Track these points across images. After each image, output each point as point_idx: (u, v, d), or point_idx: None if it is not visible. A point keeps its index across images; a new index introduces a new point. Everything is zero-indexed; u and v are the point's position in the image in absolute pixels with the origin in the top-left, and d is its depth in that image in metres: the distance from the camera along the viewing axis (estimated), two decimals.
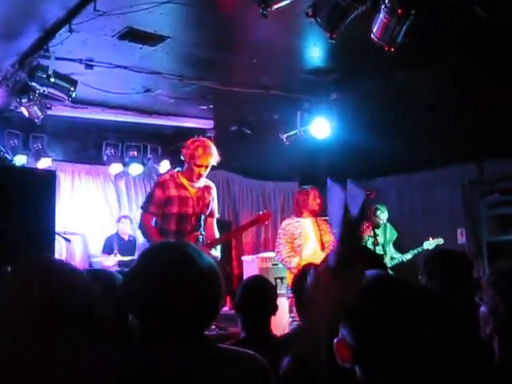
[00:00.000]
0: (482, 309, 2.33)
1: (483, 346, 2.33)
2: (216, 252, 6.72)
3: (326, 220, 9.05)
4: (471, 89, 7.57)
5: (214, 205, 6.97)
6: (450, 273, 4.23)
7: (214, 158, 6.71)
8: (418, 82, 7.67)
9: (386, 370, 1.91)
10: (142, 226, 6.78)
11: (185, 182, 6.72)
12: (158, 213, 6.64)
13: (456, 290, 4.25)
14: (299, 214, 8.58)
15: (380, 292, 1.95)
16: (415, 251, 9.17)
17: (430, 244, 8.90)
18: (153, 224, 6.73)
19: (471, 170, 9.75)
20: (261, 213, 7.26)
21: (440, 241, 8.87)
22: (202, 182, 6.83)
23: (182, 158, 6.87)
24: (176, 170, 7.14)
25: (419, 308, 1.99)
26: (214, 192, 6.97)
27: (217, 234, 7.01)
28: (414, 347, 1.92)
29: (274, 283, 9.00)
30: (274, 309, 4.43)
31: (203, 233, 6.72)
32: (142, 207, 6.86)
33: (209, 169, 6.72)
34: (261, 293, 4.37)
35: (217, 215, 7.09)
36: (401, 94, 8.00)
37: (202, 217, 6.72)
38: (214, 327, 7.09)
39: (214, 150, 6.73)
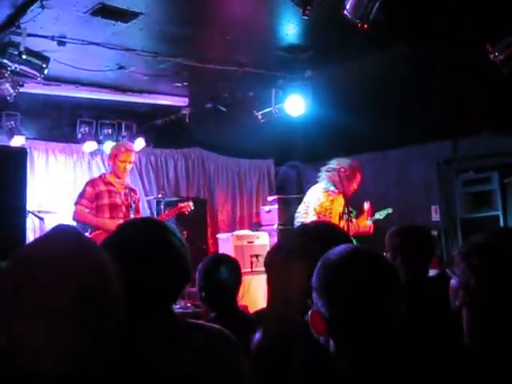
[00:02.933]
0: (453, 281, 2.35)
1: (454, 319, 2.35)
2: None
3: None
4: (446, 67, 7.60)
5: (140, 205, 8.16)
6: (411, 249, 4.30)
7: (134, 153, 7.98)
8: (392, 59, 7.67)
9: (361, 342, 1.94)
10: (77, 217, 7.60)
11: (112, 180, 7.71)
12: (90, 206, 7.57)
13: (418, 266, 4.33)
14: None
15: (357, 265, 1.98)
16: (369, 221, 9.20)
17: (380, 214, 8.95)
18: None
19: (446, 147, 9.80)
20: (182, 205, 8.30)
21: (389, 210, 8.92)
22: (128, 182, 7.97)
23: (108, 162, 8.21)
24: (103, 173, 8.42)
25: (394, 281, 2.01)
26: (137, 195, 8.09)
27: None
28: (387, 321, 1.94)
29: (249, 261, 9.05)
30: (234, 284, 4.37)
31: None
32: (74, 203, 7.66)
33: (132, 165, 7.92)
34: (214, 269, 4.31)
35: (141, 213, 8.27)
36: (376, 71, 8.00)
37: (133, 207, 7.67)
38: (189, 305, 7.13)
39: (133, 147, 8.18)
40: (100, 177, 7.92)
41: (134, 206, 7.68)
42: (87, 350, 1.60)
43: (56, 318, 1.52)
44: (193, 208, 8.30)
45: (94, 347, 1.62)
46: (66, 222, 10.04)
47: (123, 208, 7.61)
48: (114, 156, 7.71)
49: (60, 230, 1.76)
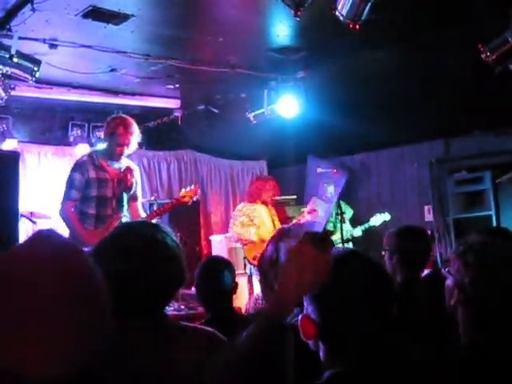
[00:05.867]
0: (448, 281, 2.35)
1: (448, 319, 2.35)
2: None
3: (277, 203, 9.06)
4: (437, 67, 7.60)
5: (138, 188, 6.75)
6: (408, 249, 4.32)
7: (136, 136, 6.51)
8: (385, 59, 7.67)
9: (352, 347, 1.93)
10: (64, 216, 6.42)
11: (104, 162, 6.49)
12: (79, 197, 6.38)
13: (414, 266, 4.36)
14: (252, 201, 8.62)
15: (348, 270, 1.97)
16: (363, 227, 9.22)
17: (376, 220, 8.96)
18: (73, 211, 6.41)
19: (438, 147, 9.82)
20: (187, 189, 7.09)
21: (386, 216, 8.94)
22: (124, 162, 6.64)
23: (103, 136, 6.77)
24: (94, 149, 6.97)
25: (387, 285, 2.01)
26: (137, 174, 6.74)
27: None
28: (380, 326, 1.94)
29: (243, 263, 9.04)
30: (233, 287, 4.44)
31: (127, 214, 6.54)
32: (63, 198, 6.44)
33: (131, 147, 6.50)
34: (218, 273, 4.37)
35: (140, 199, 6.86)
36: (368, 72, 8.00)
37: (125, 198, 6.49)
38: (183, 307, 7.12)
39: (135, 127, 6.52)
40: (90, 157, 6.54)
41: (127, 195, 6.47)
42: (81, 353, 1.58)
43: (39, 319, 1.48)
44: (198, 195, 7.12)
45: (86, 349, 1.60)
46: (58, 225, 10.04)
47: (113, 201, 6.40)
48: (109, 135, 6.47)
49: (37, 236, 1.71)
